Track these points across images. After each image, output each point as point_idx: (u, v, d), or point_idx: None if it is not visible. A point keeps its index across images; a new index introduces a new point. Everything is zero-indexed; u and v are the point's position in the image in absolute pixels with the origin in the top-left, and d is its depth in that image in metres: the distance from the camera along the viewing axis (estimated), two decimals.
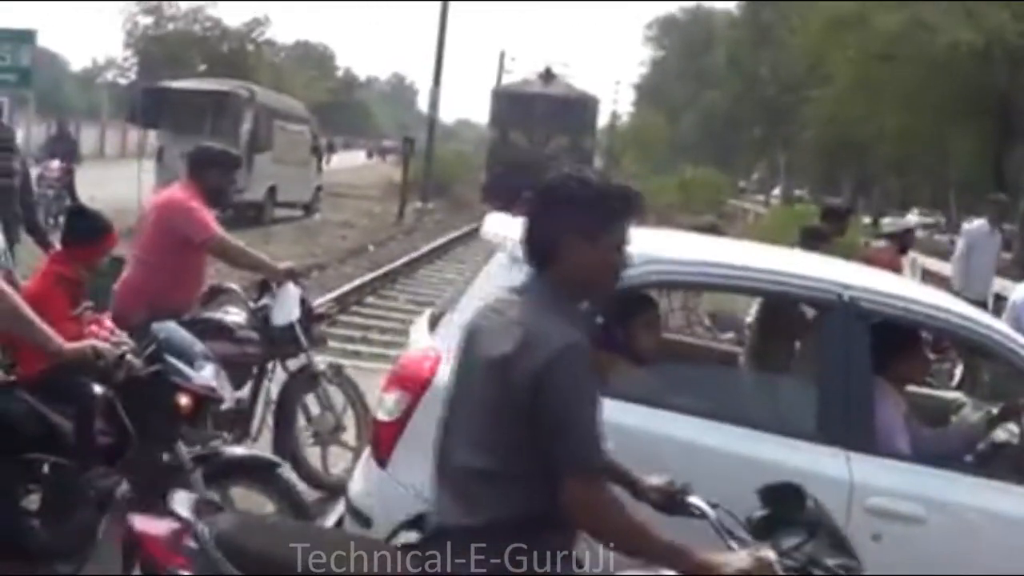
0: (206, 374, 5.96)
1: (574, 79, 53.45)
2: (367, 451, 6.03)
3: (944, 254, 24.63)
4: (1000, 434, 6.02)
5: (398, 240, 30.52)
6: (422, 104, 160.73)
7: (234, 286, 9.25)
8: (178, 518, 3.97)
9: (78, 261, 6.59)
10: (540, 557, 3.57)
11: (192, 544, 3.87)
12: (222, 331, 8.04)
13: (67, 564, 5.73)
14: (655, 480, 4.18)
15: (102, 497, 5.79)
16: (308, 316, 8.72)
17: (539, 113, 45.92)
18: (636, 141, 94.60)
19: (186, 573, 3.84)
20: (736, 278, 5.90)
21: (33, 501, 5.78)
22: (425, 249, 27.50)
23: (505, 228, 5.85)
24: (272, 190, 31.30)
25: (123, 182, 24.32)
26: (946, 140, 38.99)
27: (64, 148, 24.67)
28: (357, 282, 19.94)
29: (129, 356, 5.59)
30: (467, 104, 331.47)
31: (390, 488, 5.41)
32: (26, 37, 24.01)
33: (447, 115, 50.35)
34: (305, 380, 8.62)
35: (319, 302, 15.11)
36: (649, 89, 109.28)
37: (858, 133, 42.86)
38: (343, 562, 3.81)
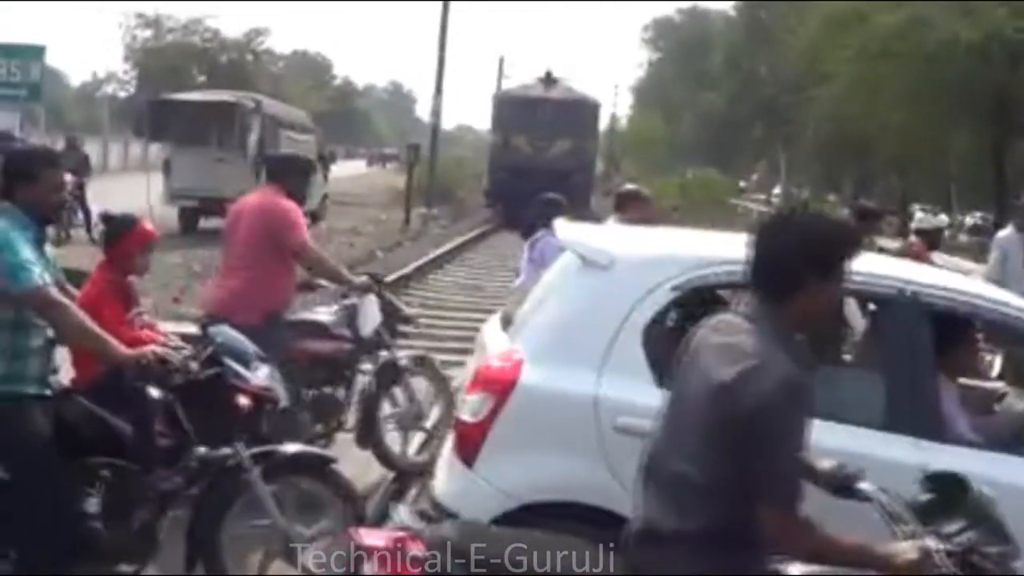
0: (261, 375, 6.14)
1: (574, 83, 53.07)
2: (448, 450, 6.14)
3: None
4: None
5: (405, 246, 30.54)
6: (421, 111, 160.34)
7: (323, 283, 9.78)
8: (401, 527, 4.17)
9: (116, 263, 6.81)
10: (741, 563, 3.79)
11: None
12: (319, 330, 8.70)
13: (130, 564, 5.87)
14: (827, 465, 4.32)
15: (163, 498, 5.92)
16: (395, 316, 9.46)
17: (541, 117, 44.93)
18: (636, 143, 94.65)
19: None
20: None
21: (95, 504, 5.81)
22: (433, 255, 27.56)
23: (577, 235, 6.24)
24: None
25: (129, 195, 24.34)
26: (946, 137, 39.08)
27: (74, 162, 24.68)
28: None
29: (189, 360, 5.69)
30: (467, 110, 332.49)
31: (478, 487, 5.63)
32: (36, 53, 24.27)
33: (447, 121, 50.98)
34: (391, 374, 9.20)
35: (334, 308, 15.25)
36: (647, 91, 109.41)
37: (858, 131, 42.95)
38: (567, 562, 4.03)
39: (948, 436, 5.42)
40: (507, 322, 6.56)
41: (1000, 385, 7.66)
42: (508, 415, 5.54)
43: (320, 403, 8.68)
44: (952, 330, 5.81)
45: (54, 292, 5.53)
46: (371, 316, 8.92)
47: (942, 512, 3.99)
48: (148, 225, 7.05)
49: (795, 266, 3.84)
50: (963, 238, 46.49)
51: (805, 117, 48.84)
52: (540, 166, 40.96)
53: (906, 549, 3.82)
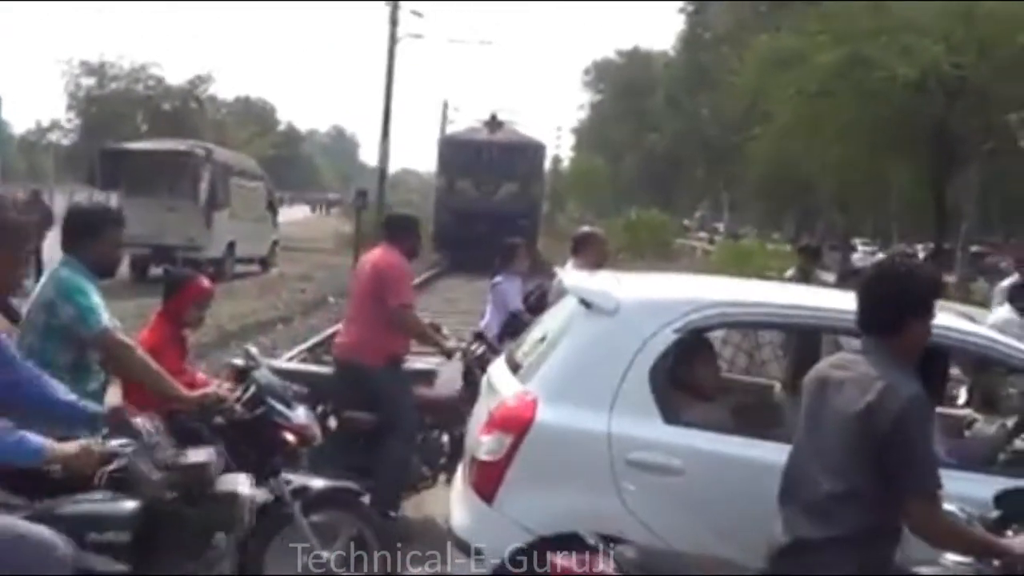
0: (301, 414, 6.45)
1: (519, 126, 53.18)
2: (461, 486, 6.48)
3: None
4: (1020, 443, 6.76)
5: None
6: (364, 155, 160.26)
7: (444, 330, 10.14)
8: (586, 548, 4.83)
9: (174, 315, 7.26)
10: (878, 560, 4.54)
11: (608, 570, 4.66)
12: (429, 377, 9.37)
13: None
14: None
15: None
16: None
17: (487, 160, 45.04)
18: (579, 184, 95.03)
19: None
20: (795, 316, 6.53)
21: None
22: None
23: (581, 282, 6.65)
24: (231, 246, 31.53)
25: None
26: (886, 171, 39.70)
27: (40, 214, 24.57)
28: (325, 333, 20.08)
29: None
30: (411, 153, 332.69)
31: (498, 521, 5.94)
32: None
33: (391, 164, 51.12)
34: None
35: (289, 355, 15.52)
36: (589, 133, 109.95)
37: (800, 169, 43.48)
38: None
39: None
40: (514, 364, 6.85)
41: (969, 412, 8.12)
42: (526, 452, 5.87)
43: (427, 446, 9.21)
44: (926, 361, 6.15)
45: (121, 334, 5.81)
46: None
47: (1013, 526, 4.73)
48: (205, 282, 7.46)
49: (898, 310, 4.67)
50: None
51: (747, 156, 49.28)
52: (487, 209, 41.06)
53: (1020, 543, 4.58)
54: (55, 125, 67.55)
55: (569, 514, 5.67)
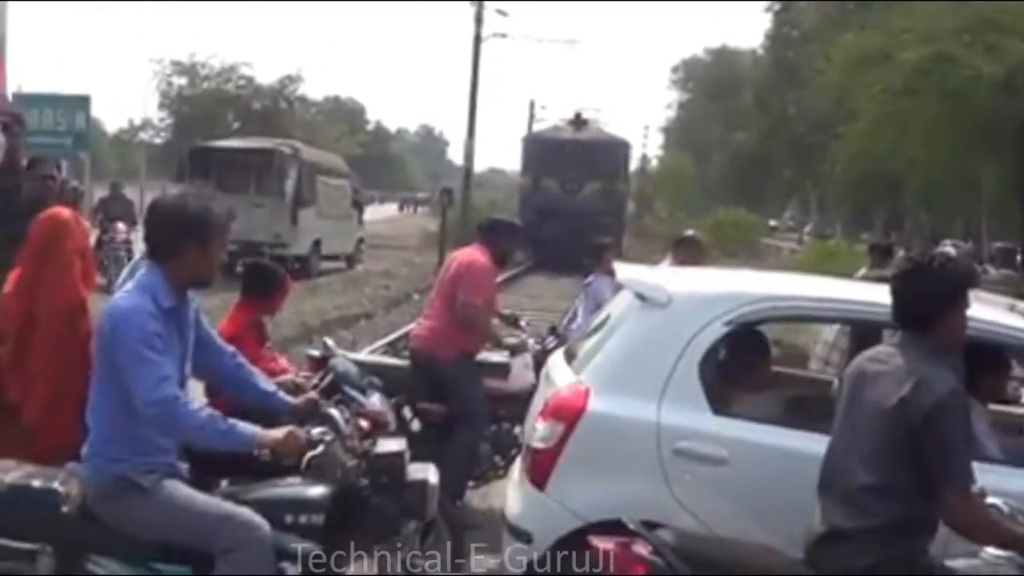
0: (375, 401, 6.67)
1: (605, 125, 53.10)
2: (518, 474, 6.67)
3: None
4: None
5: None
6: (452, 154, 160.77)
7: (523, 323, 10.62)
8: (626, 531, 4.96)
9: (259, 307, 7.66)
10: (912, 552, 4.66)
11: (645, 552, 4.82)
12: (501, 370, 9.51)
13: None
14: None
15: None
16: None
17: (571, 159, 44.78)
18: (666, 184, 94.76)
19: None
20: (843, 310, 6.76)
21: None
22: None
23: (636, 275, 6.78)
24: (317, 243, 31.86)
25: None
26: (973, 170, 39.26)
27: (120, 209, 25.00)
28: (405, 329, 20.31)
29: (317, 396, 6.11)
30: (498, 152, 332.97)
31: (549, 508, 6.15)
32: (82, 103, 24.72)
33: (478, 164, 51.48)
34: None
35: (369, 349, 15.75)
36: (677, 132, 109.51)
37: (886, 168, 43.08)
38: (764, 561, 4.96)
39: (980, 455, 5.72)
40: (570, 356, 7.03)
41: None
42: (577, 441, 6.04)
43: (499, 438, 9.51)
44: (984, 358, 6.21)
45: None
46: (521, 375, 9.64)
47: None
48: (288, 279, 7.93)
49: (934, 304, 4.76)
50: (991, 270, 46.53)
51: (834, 155, 48.89)
52: (571, 208, 41.08)
53: None
54: (147, 124, 68.14)
55: (618, 501, 5.80)
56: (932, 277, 4.79)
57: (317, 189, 32.24)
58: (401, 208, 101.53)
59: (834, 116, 44.92)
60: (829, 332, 11.15)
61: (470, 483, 9.24)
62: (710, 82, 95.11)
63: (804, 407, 6.84)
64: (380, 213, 72.03)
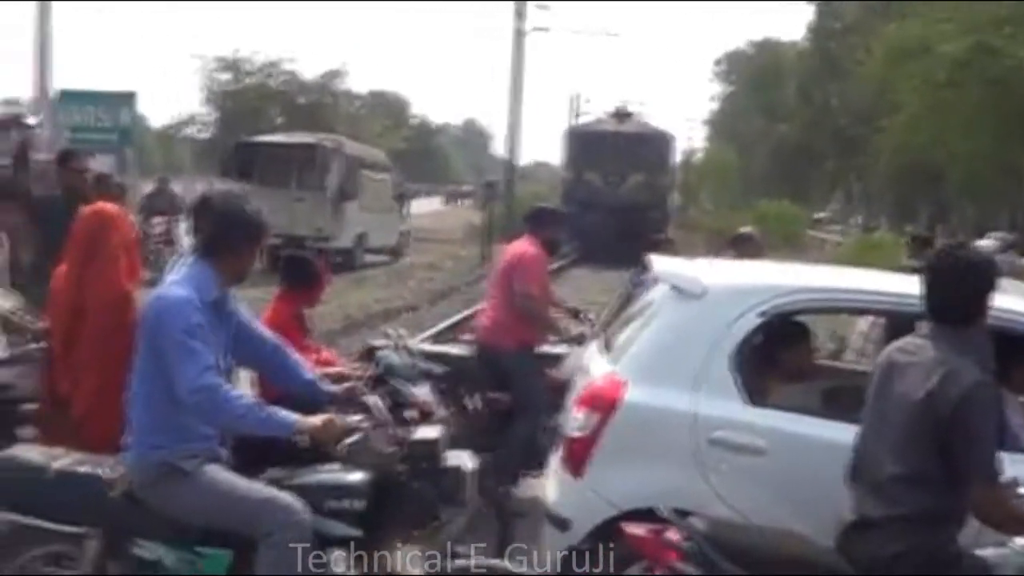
0: (423, 391, 6.80)
1: (648, 117, 52.88)
2: (556, 463, 6.75)
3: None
4: None
5: (484, 281, 31.03)
6: (496, 148, 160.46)
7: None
8: (660, 520, 5.12)
9: (302, 299, 7.82)
10: (941, 541, 4.75)
11: (678, 539, 4.95)
12: (558, 362, 9.41)
13: None
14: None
15: None
16: None
17: (614, 151, 44.56)
18: (710, 177, 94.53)
19: (680, 563, 4.95)
20: (877, 301, 6.83)
21: None
22: None
23: (672, 267, 6.95)
24: (361, 237, 32.08)
25: None
26: (1016, 161, 39.02)
27: (166, 203, 25.18)
28: (450, 320, 20.45)
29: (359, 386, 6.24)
30: (541, 145, 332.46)
31: (586, 496, 6.26)
32: (126, 100, 25.00)
33: (523, 157, 51.34)
34: None
35: (417, 339, 15.87)
36: (720, 124, 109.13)
37: (930, 160, 42.86)
38: (795, 548, 5.09)
39: (1013, 447, 5.74)
40: (606, 346, 7.12)
41: None
42: (613, 430, 6.14)
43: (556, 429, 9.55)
44: (1017, 349, 6.23)
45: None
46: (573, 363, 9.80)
47: None
48: (327, 271, 8.16)
49: (964, 301, 4.84)
50: None
51: (877, 147, 48.70)
52: (613, 201, 41.04)
53: None
54: (192, 119, 68.43)
55: (653, 490, 5.90)
56: (964, 273, 4.85)
57: (360, 183, 32.42)
58: (446, 202, 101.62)
59: (876, 108, 44.78)
60: (864, 323, 11.22)
61: (530, 472, 9.34)
62: (753, 74, 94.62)
63: (841, 397, 6.91)
64: (425, 207, 72.21)
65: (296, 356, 5.99)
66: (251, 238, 5.47)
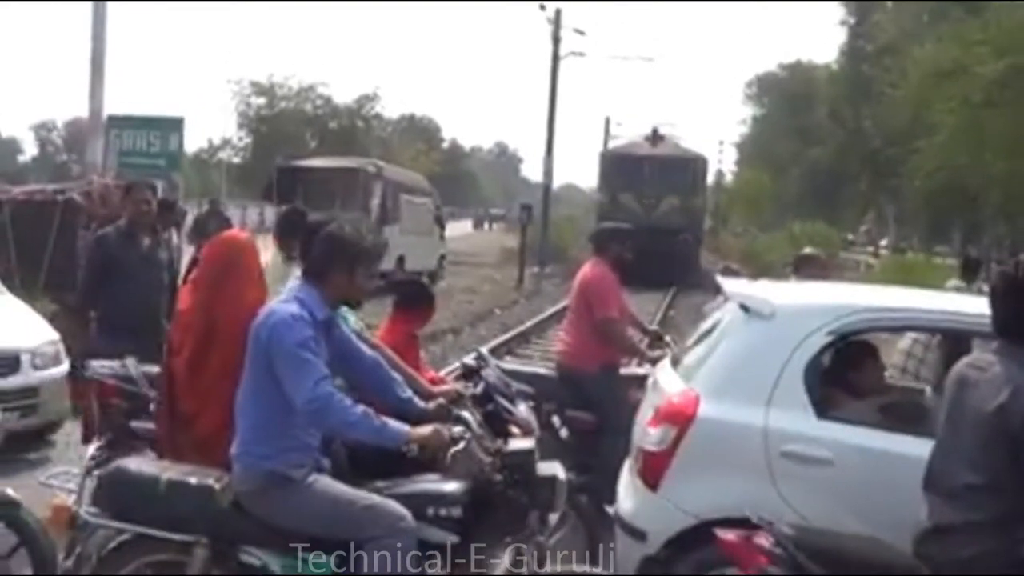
0: (523, 410, 7.10)
1: (681, 140, 53.10)
2: (629, 475, 7.07)
3: None
4: None
5: (521, 304, 31.39)
6: (526, 171, 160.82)
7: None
8: (749, 525, 5.38)
9: (415, 320, 8.23)
10: (1013, 544, 4.93)
11: (767, 544, 5.22)
12: (642, 381, 9.46)
13: None
14: None
15: None
16: None
17: (648, 174, 44.99)
18: (742, 199, 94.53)
19: (770, 567, 5.18)
20: (936, 319, 7.13)
21: None
22: (550, 311, 28.15)
23: (741, 289, 7.31)
24: (401, 260, 32.36)
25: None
26: None
27: (218, 226, 25.29)
28: (493, 343, 20.68)
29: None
30: (572, 168, 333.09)
31: (662, 507, 6.56)
32: (175, 125, 25.23)
33: (554, 180, 51.55)
34: None
35: (458, 363, 16.15)
36: (752, 147, 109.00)
37: (965, 181, 42.85)
38: (877, 554, 5.36)
39: None
40: (675, 364, 7.45)
41: None
42: (689, 444, 6.45)
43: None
44: None
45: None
46: None
47: None
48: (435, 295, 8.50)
49: None
50: None
51: (911, 169, 48.70)
52: (648, 224, 41.16)
53: None
54: (226, 143, 69.10)
55: (728, 500, 6.18)
56: None
57: (400, 206, 32.77)
58: (476, 226, 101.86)
59: (910, 129, 44.77)
60: (906, 341, 11.48)
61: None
62: (785, 96, 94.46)
63: (899, 412, 7.16)
64: (456, 230, 72.64)
65: (395, 374, 6.30)
66: (353, 262, 5.70)
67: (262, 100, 66.51)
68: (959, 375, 5.30)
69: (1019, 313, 5.10)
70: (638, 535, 6.61)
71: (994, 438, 4.92)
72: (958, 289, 13.65)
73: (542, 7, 50.63)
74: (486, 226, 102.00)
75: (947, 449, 5.20)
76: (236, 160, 69.41)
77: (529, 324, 25.12)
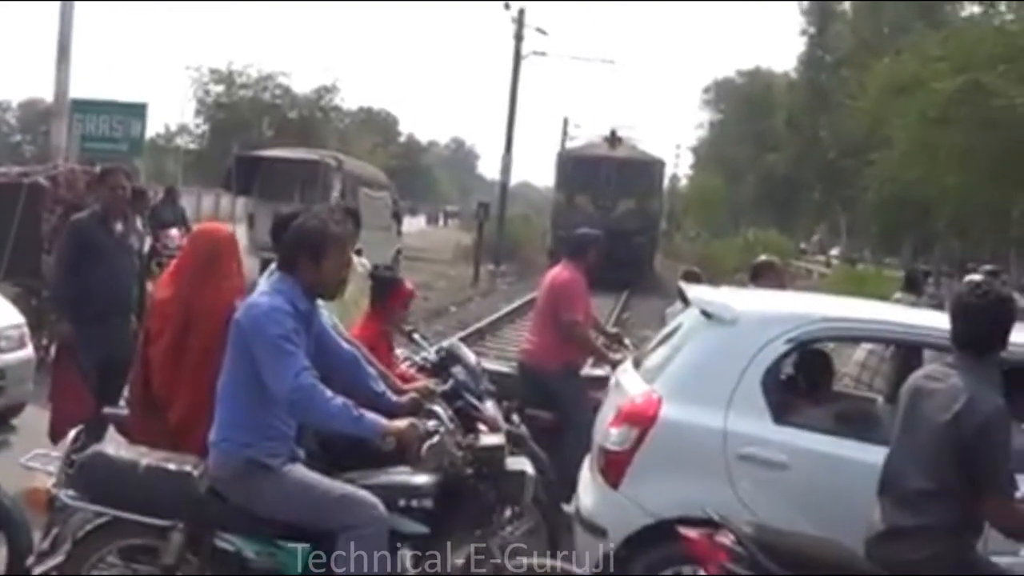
0: (490, 407, 7.25)
1: (639, 142, 53.06)
2: (589, 474, 7.29)
3: None
4: None
5: (476, 301, 31.44)
6: (483, 168, 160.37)
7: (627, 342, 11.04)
8: (707, 523, 5.65)
9: (384, 315, 8.26)
10: (962, 548, 5.28)
11: (728, 542, 5.44)
12: (603, 382, 9.60)
13: None
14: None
15: None
16: None
17: (605, 176, 44.91)
18: (696, 204, 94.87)
19: (730, 564, 5.40)
20: (892, 331, 7.39)
21: None
22: (506, 309, 28.39)
23: (704, 295, 7.50)
24: (358, 253, 32.06)
25: None
26: (1004, 200, 39.43)
27: (171, 215, 25.10)
28: (449, 340, 20.63)
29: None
30: (527, 167, 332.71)
31: (622, 505, 6.79)
32: (138, 111, 25.19)
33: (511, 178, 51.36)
34: None
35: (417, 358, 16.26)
36: (707, 152, 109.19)
37: (918, 194, 43.21)
38: (832, 554, 5.57)
39: (1018, 467, 6.07)
40: (638, 367, 7.67)
41: None
42: (650, 444, 6.68)
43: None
44: (1019, 378, 6.73)
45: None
46: None
47: None
48: (409, 284, 8.61)
49: (990, 334, 5.34)
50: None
51: (865, 180, 49.04)
52: (604, 226, 41.16)
53: None
54: (183, 130, 68.56)
55: (687, 500, 6.38)
56: (996, 308, 5.38)
57: (360, 200, 32.68)
58: (429, 221, 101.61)
59: (866, 141, 45.07)
60: (861, 352, 11.76)
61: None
62: (742, 103, 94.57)
63: (853, 419, 7.46)
64: (411, 226, 72.54)
65: (370, 369, 6.47)
66: (318, 253, 5.75)
67: (220, 88, 66.04)
68: (916, 385, 5.56)
69: (980, 331, 5.36)
70: (598, 532, 6.81)
71: (947, 447, 5.17)
72: (906, 302, 13.95)
73: (507, 6, 50.64)
74: (440, 222, 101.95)
75: (901, 456, 5.46)
76: (192, 146, 68.80)
77: (485, 322, 25.20)
